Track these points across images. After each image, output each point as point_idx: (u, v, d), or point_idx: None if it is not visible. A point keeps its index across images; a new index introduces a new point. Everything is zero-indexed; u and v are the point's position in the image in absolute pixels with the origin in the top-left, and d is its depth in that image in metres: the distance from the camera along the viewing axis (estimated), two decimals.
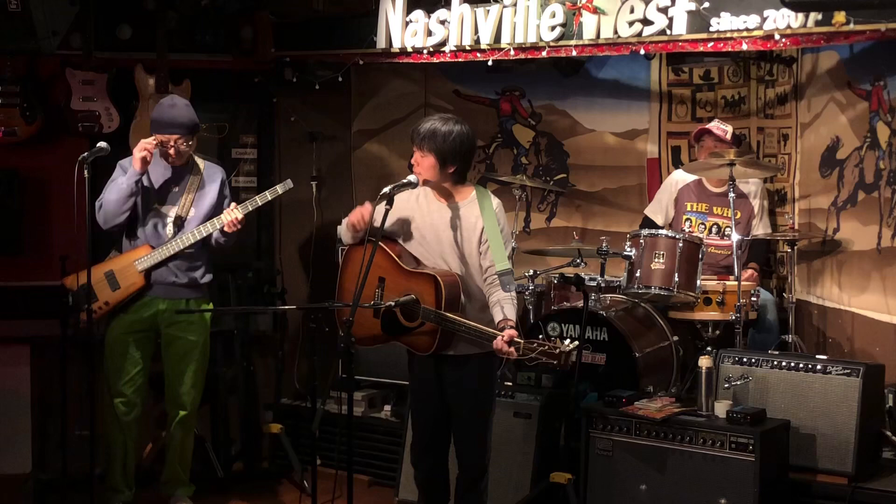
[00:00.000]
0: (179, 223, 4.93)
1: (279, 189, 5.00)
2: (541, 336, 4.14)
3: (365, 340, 4.34)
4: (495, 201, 4.26)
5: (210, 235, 4.93)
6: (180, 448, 5.15)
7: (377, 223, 4.15)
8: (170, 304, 4.95)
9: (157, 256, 4.88)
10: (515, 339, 3.95)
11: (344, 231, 4.47)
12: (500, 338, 3.98)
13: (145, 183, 4.89)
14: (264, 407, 6.35)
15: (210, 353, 6.16)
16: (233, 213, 4.87)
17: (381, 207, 4.14)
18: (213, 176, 5.06)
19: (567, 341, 3.92)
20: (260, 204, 4.97)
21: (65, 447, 5.75)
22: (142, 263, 4.88)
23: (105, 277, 4.89)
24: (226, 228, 4.89)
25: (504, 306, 4.11)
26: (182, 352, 5.01)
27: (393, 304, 4.16)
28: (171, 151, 4.89)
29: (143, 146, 4.79)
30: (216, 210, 4.99)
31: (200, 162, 5.07)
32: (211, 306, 5.17)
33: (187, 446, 5.19)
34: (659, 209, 5.78)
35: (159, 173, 4.94)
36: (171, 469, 5.17)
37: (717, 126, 5.59)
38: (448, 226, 4.24)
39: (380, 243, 4.26)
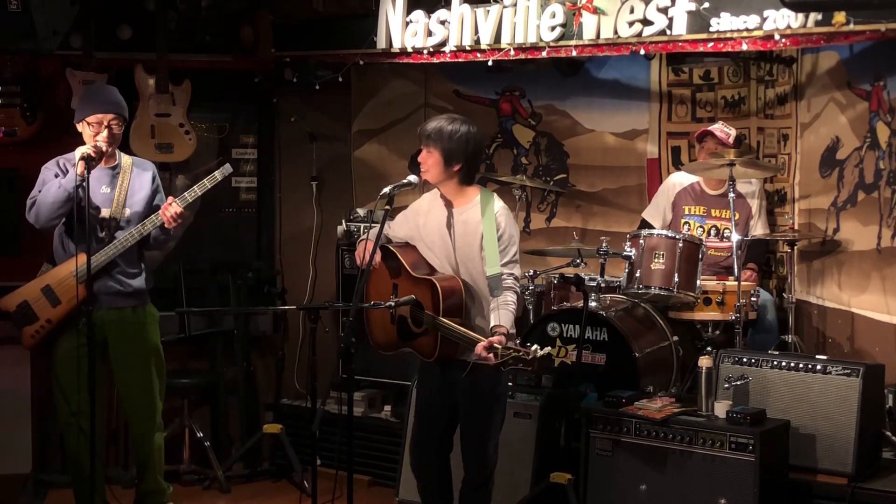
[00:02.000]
0: (114, 225, 4.65)
1: (218, 175, 4.69)
2: (522, 344, 4.17)
3: (385, 346, 4.40)
4: (498, 205, 4.23)
5: (147, 236, 4.66)
6: (158, 457, 4.91)
7: (377, 225, 4.16)
8: (115, 315, 4.66)
9: (96, 264, 4.54)
10: (494, 344, 3.94)
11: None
12: (479, 344, 3.98)
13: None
14: (264, 407, 6.35)
15: (210, 353, 6.21)
16: (172, 208, 4.57)
17: (381, 209, 4.16)
18: (142, 172, 4.77)
19: (535, 347, 3.92)
20: (200, 193, 4.68)
21: (64, 447, 5.77)
22: (81, 273, 4.47)
23: (43, 294, 4.59)
24: (166, 224, 4.60)
25: (499, 311, 4.10)
26: (138, 363, 4.74)
27: (392, 304, 4.17)
28: (105, 136, 4.57)
29: (84, 150, 4.43)
30: (150, 206, 4.73)
31: (127, 159, 4.79)
32: (155, 311, 4.86)
33: (162, 452, 4.95)
34: (656, 213, 5.78)
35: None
36: (151, 480, 4.92)
37: (720, 129, 5.58)
38: (452, 230, 4.25)
39: (393, 250, 4.31)
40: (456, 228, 4.25)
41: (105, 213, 4.66)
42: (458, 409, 4.32)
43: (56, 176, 4.60)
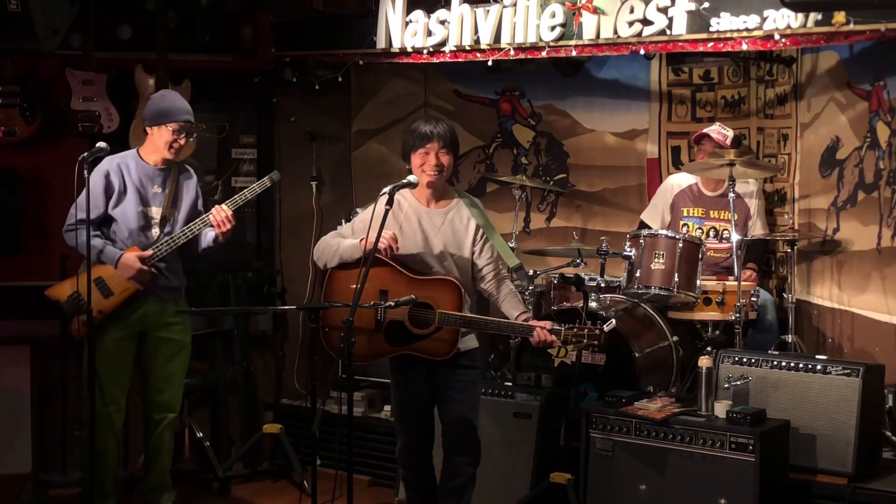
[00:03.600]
0: (164, 223, 4.84)
1: (267, 181, 4.89)
2: (577, 322, 4.25)
3: (365, 356, 4.26)
4: (478, 202, 4.38)
5: (195, 239, 4.83)
6: (168, 452, 5.03)
7: (377, 225, 4.14)
8: (158, 307, 4.85)
9: (159, 253, 4.75)
10: (555, 328, 4.07)
11: (337, 252, 4.27)
12: (539, 329, 4.08)
13: (128, 185, 4.77)
14: (264, 407, 6.35)
15: (210, 353, 6.21)
16: (223, 211, 4.74)
17: (382, 208, 4.14)
18: (188, 174, 4.97)
19: (611, 321, 4.14)
20: (249, 197, 4.85)
21: (65, 447, 5.78)
22: (147, 262, 4.73)
23: (95, 286, 4.65)
24: (218, 228, 4.73)
25: (518, 299, 4.26)
26: (171, 353, 4.92)
27: (392, 304, 4.14)
28: (181, 142, 4.79)
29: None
30: (195, 209, 4.93)
31: (174, 162, 4.94)
32: (187, 307, 5.04)
33: (170, 448, 5.07)
34: (655, 214, 5.78)
35: (142, 175, 4.82)
36: (158, 475, 5.02)
37: (717, 131, 5.58)
38: (438, 230, 4.27)
39: (379, 257, 4.21)
40: (443, 228, 4.27)
41: (157, 212, 4.84)
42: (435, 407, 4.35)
43: (107, 189, 4.74)
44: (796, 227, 5.59)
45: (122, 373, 4.83)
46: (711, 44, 4.93)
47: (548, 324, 4.10)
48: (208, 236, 4.87)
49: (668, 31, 4.99)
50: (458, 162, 4.33)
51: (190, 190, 4.94)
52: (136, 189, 4.81)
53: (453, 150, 4.27)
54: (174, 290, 4.92)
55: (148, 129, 4.84)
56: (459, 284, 4.15)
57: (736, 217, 5.31)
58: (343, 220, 6.20)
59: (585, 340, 4.08)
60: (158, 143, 4.81)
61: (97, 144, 4.54)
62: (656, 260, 5.18)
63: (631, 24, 5.08)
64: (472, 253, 4.27)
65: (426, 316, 4.15)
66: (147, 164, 4.85)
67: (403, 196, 4.30)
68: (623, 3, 5.09)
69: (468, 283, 4.28)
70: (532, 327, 4.10)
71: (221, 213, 4.74)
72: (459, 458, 4.30)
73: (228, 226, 4.76)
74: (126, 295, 4.75)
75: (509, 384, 5.20)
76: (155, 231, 4.83)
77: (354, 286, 3.94)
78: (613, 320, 4.27)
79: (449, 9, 5.57)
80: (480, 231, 4.28)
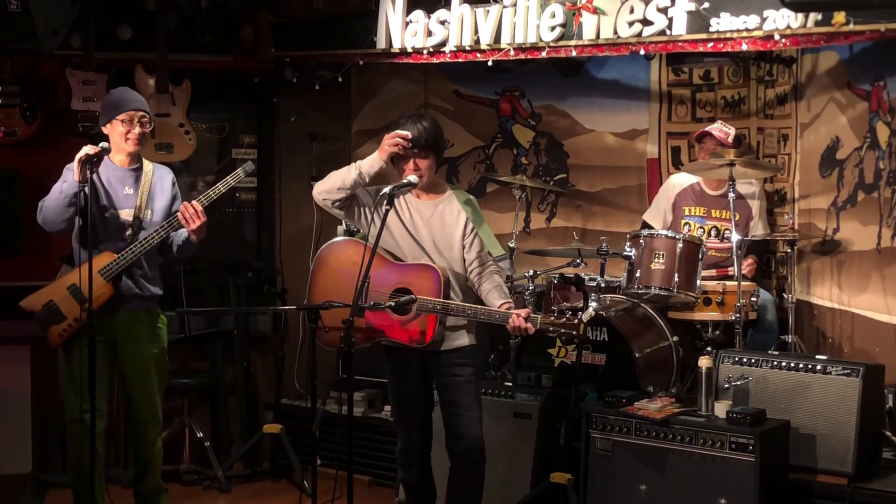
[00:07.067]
0: (138, 225, 4.66)
1: (241, 173, 4.71)
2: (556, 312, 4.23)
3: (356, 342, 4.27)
4: (470, 196, 4.40)
5: (170, 242, 4.71)
6: (157, 459, 4.93)
7: (377, 225, 4.15)
8: (128, 317, 4.68)
9: (123, 262, 4.58)
10: (532, 315, 4.06)
11: (349, 175, 4.24)
12: (515, 316, 4.07)
13: (98, 188, 4.62)
14: (264, 407, 6.35)
15: (210, 353, 6.21)
16: (191, 207, 4.56)
17: (382, 208, 4.14)
18: (163, 176, 4.81)
19: (590, 309, 4.14)
20: (224, 191, 4.67)
21: (64, 447, 5.78)
22: (108, 272, 4.54)
23: (69, 293, 4.57)
24: (187, 225, 4.56)
25: (502, 290, 4.25)
26: (142, 366, 4.75)
27: (393, 304, 4.16)
28: (136, 132, 4.63)
29: (85, 150, 4.40)
30: (169, 211, 4.75)
31: (148, 163, 4.82)
32: (164, 317, 4.86)
33: (160, 453, 4.97)
34: (657, 214, 5.78)
35: (111, 176, 4.67)
36: (152, 481, 4.94)
37: (718, 129, 5.59)
38: (429, 222, 4.30)
39: (360, 242, 4.29)
40: (432, 219, 4.30)
41: (128, 213, 4.68)
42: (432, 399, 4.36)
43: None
44: (796, 227, 5.59)
45: (100, 379, 4.61)
46: (711, 44, 4.94)
47: (525, 311, 4.10)
48: (181, 235, 4.69)
49: (668, 32, 5.00)
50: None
51: (164, 191, 4.77)
52: (106, 192, 4.65)
53: (432, 151, 4.25)
54: (147, 300, 4.73)
55: (103, 129, 4.70)
56: (441, 272, 4.16)
57: (738, 217, 5.32)
58: (343, 220, 6.20)
59: (563, 329, 4.04)
60: (116, 140, 4.65)
61: (98, 144, 4.54)
62: (656, 260, 5.19)
63: (631, 24, 5.08)
64: (463, 246, 4.29)
65: (409, 304, 4.17)
66: (116, 165, 4.70)
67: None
68: (623, 4, 5.10)
69: (461, 277, 4.29)
70: (509, 314, 4.10)
71: (190, 209, 4.57)
72: (462, 457, 4.29)
73: (198, 222, 4.57)
74: (101, 301, 4.56)
75: (509, 384, 5.20)
76: (128, 234, 4.66)
77: (341, 281, 3.94)
78: (592, 308, 4.26)
79: (449, 9, 5.57)
80: (470, 225, 4.29)
